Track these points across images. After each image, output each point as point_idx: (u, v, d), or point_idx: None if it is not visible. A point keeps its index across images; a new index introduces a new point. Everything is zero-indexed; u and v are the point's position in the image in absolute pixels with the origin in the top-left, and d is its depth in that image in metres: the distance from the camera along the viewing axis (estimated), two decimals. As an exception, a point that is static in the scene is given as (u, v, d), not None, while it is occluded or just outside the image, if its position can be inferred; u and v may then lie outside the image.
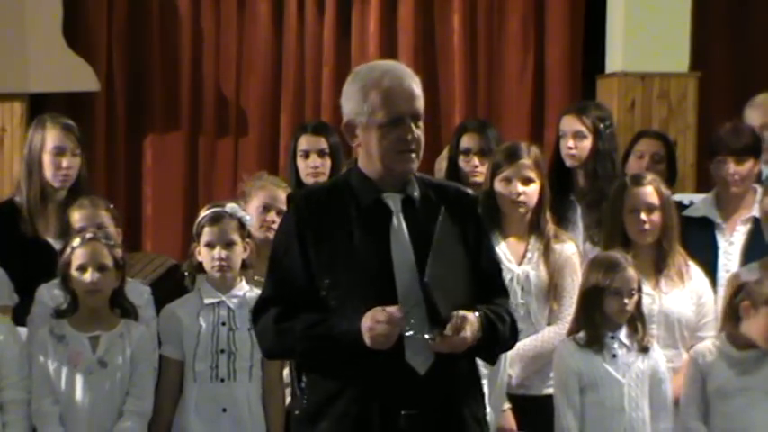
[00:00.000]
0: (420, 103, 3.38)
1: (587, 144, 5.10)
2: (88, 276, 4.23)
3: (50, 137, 4.77)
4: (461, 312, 3.27)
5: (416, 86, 3.39)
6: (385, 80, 3.35)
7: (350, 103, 3.40)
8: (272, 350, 3.51)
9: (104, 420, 4.23)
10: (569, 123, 5.15)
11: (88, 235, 4.32)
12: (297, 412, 3.47)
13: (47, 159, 4.75)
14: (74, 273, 4.26)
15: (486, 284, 3.45)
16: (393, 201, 3.37)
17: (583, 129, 5.11)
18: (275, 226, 4.69)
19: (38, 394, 4.23)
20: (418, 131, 3.36)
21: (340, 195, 3.41)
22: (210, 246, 4.37)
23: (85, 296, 4.27)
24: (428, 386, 3.29)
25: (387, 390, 3.28)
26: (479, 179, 5.10)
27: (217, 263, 4.35)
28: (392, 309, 3.21)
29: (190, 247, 4.51)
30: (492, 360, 3.56)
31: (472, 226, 3.46)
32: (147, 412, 4.30)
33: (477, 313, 3.32)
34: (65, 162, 4.75)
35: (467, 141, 5.33)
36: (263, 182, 4.87)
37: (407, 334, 3.23)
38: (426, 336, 3.24)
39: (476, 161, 5.22)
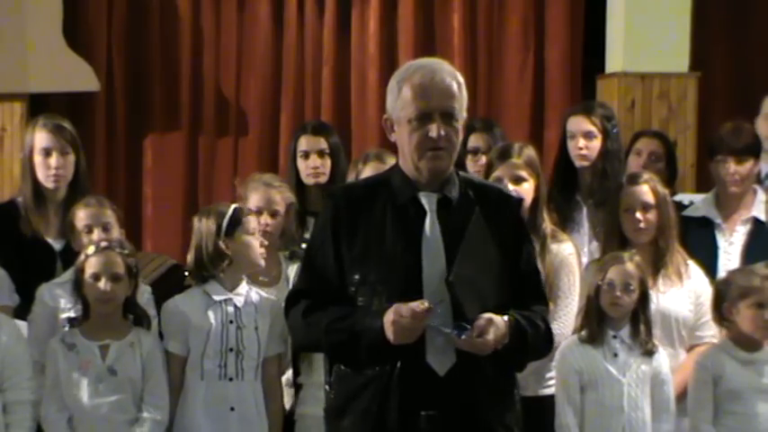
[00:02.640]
0: (454, 101, 3.34)
1: (597, 144, 5.11)
2: (102, 285, 4.22)
3: (38, 138, 4.77)
4: (488, 315, 3.26)
5: (453, 83, 3.35)
6: (417, 75, 3.35)
7: (389, 97, 3.42)
8: (300, 343, 3.58)
9: (114, 429, 4.22)
10: (578, 124, 5.14)
11: (103, 243, 4.29)
12: (325, 406, 3.49)
13: (37, 160, 4.76)
14: (87, 280, 4.24)
15: (523, 289, 3.43)
16: (428, 200, 3.37)
17: (593, 129, 5.11)
18: (269, 228, 4.68)
19: (47, 401, 4.23)
20: (448, 129, 3.33)
21: (378, 192, 3.42)
22: (253, 234, 4.38)
23: (98, 304, 4.26)
24: (448, 388, 3.29)
25: (406, 389, 3.28)
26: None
27: (263, 250, 4.38)
28: (415, 303, 3.21)
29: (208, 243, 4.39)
30: (519, 368, 3.52)
31: (512, 229, 3.44)
32: (164, 420, 4.28)
33: (506, 318, 3.30)
34: (53, 162, 4.74)
35: (475, 141, 5.34)
36: (255, 184, 4.82)
37: (431, 324, 3.22)
38: (448, 330, 3.23)
39: (484, 160, 5.21)
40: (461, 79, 3.40)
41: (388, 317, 3.22)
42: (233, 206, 4.45)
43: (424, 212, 3.36)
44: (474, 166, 5.26)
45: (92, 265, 4.24)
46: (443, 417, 3.28)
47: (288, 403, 4.56)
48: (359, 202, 3.41)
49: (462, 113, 3.39)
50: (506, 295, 3.37)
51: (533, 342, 3.40)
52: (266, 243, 4.48)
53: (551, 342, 3.53)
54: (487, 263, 3.34)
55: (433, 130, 3.31)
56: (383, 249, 3.33)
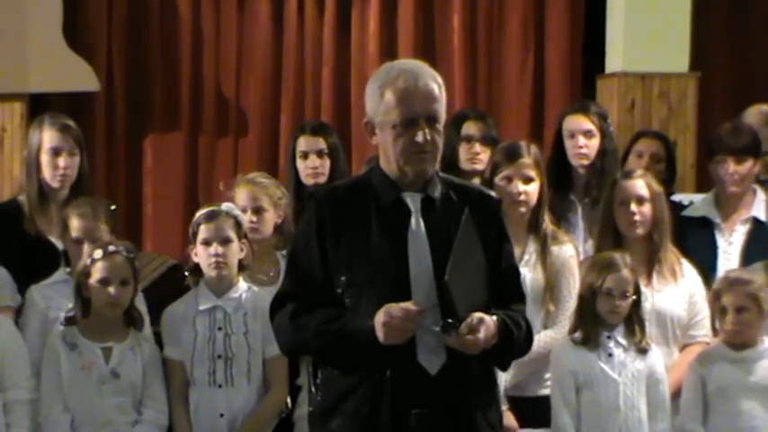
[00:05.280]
0: (438, 105, 3.35)
1: (596, 142, 5.12)
2: (112, 290, 4.21)
3: (47, 137, 4.76)
4: (479, 314, 3.27)
5: (436, 87, 3.36)
6: (400, 80, 3.34)
7: (369, 101, 3.42)
8: (288, 346, 3.53)
9: (115, 431, 4.23)
10: (578, 122, 5.14)
11: (111, 248, 4.27)
12: (311, 409, 3.49)
13: (44, 160, 4.75)
14: (94, 284, 4.23)
15: (504, 289, 3.45)
16: (412, 200, 3.37)
17: (592, 127, 5.12)
18: (256, 225, 4.66)
19: (48, 402, 4.22)
20: (433, 133, 3.34)
21: (361, 193, 3.42)
22: (207, 243, 4.35)
23: (105, 309, 4.25)
24: (439, 387, 3.29)
25: (397, 389, 3.28)
26: (479, 167, 5.16)
27: (213, 260, 4.32)
28: (407, 304, 3.21)
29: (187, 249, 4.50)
30: (504, 366, 3.55)
31: (493, 229, 3.45)
32: (165, 423, 4.30)
33: (494, 317, 3.31)
34: (62, 162, 4.73)
35: (469, 128, 5.36)
36: (240, 183, 4.80)
37: (422, 324, 3.22)
38: (437, 329, 3.23)
39: (477, 148, 5.28)
40: (441, 80, 3.40)
41: (379, 318, 3.22)
42: (202, 211, 4.44)
43: (408, 212, 3.37)
44: (467, 154, 5.30)
45: (100, 270, 4.22)
46: (433, 415, 3.29)
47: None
48: (342, 204, 3.41)
49: (443, 115, 3.39)
50: (490, 294, 3.38)
51: (518, 342, 3.42)
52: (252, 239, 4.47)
53: (532, 341, 3.55)
54: (476, 263, 3.35)
55: (420, 135, 3.32)
56: (369, 250, 3.33)
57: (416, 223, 3.36)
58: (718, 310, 4.41)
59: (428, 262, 3.32)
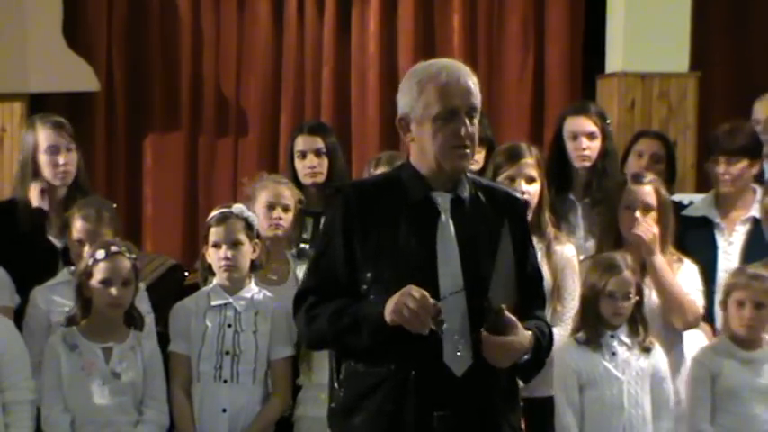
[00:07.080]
0: (476, 100, 3.36)
1: (598, 144, 5.10)
2: (114, 291, 4.21)
3: (43, 137, 4.78)
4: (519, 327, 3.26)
5: (473, 84, 3.36)
6: (442, 75, 3.33)
7: (405, 97, 3.39)
8: (306, 339, 3.52)
9: (116, 431, 4.22)
10: (580, 124, 5.12)
11: (113, 248, 4.27)
12: (333, 405, 3.46)
13: (43, 159, 4.76)
14: (96, 285, 4.22)
15: (528, 292, 3.43)
16: (442, 199, 3.36)
17: (595, 129, 5.10)
18: (282, 222, 4.70)
19: (49, 402, 4.22)
20: (473, 128, 3.34)
21: (390, 190, 3.40)
22: (217, 246, 4.39)
23: (107, 309, 4.25)
24: (464, 389, 3.27)
25: (422, 389, 3.27)
26: (473, 167, 5.12)
27: (223, 263, 4.36)
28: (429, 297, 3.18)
29: (200, 249, 4.52)
30: (528, 379, 3.51)
31: (519, 232, 3.44)
32: (166, 424, 4.31)
33: (529, 333, 3.30)
34: (61, 159, 4.76)
35: None
36: (264, 181, 4.84)
37: (444, 327, 3.20)
38: (459, 346, 3.24)
39: None
40: (476, 79, 3.41)
41: (395, 296, 3.18)
42: (214, 213, 4.47)
43: (437, 212, 3.35)
44: None
45: (102, 271, 4.22)
46: (456, 417, 3.27)
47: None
48: (370, 200, 3.39)
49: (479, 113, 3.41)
50: (518, 299, 3.37)
51: (544, 354, 3.43)
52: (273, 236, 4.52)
53: (551, 347, 3.53)
54: (509, 273, 3.34)
55: (462, 128, 3.31)
56: (397, 248, 3.31)
57: (445, 222, 3.35)
58: (732, 304, 4.39)
59: (456, 260, 3.30)
